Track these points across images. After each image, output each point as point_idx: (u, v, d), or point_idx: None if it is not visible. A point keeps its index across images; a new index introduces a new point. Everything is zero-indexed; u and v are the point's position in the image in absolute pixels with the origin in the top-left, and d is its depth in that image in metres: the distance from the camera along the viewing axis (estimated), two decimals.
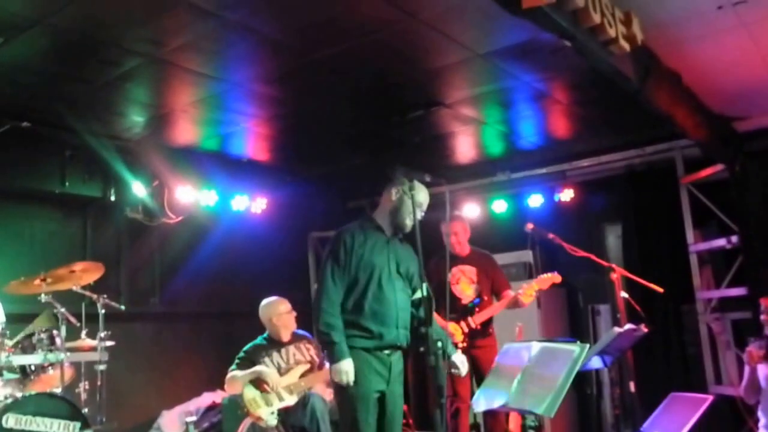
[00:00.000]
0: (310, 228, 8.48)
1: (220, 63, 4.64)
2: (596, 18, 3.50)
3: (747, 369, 4.97)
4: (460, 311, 5.19)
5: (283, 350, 5.19)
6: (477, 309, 5.25)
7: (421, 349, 3.10)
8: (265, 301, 5.35)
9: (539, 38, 4.37)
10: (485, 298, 5.24)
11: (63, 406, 4.13)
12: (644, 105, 4.62)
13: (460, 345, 4.93)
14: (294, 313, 5.28)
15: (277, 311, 5.22)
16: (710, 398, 4.54)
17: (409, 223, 3.66)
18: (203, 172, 6.78)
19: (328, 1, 3.89)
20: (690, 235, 6.83)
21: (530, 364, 3.46)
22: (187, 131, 6.07)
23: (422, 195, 3.61)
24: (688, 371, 6.72)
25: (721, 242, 6.58)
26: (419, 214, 3.58)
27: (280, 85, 5.09)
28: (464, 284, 5.28)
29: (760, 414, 4.97)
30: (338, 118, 5.89)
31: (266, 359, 5.06)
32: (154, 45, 4.28)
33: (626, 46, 3.82)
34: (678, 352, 6.78)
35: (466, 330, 5.15)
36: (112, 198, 6.38)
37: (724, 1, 4.16)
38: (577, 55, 3.86)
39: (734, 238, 6.48)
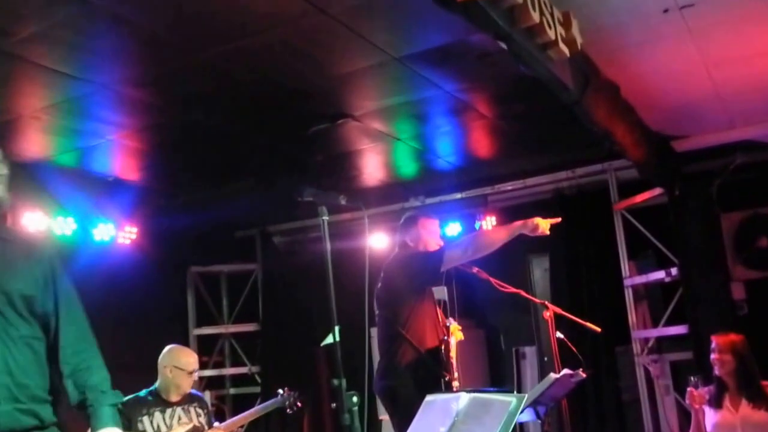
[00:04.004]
0: (190, 262, 8.44)
1: (82, 59, 4.34)
2: (535, 17, 3.47)
3: (692, 412, 5.01)
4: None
5: (168, 411, 4.97)
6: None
7: (333, 405, 2.92)
8: (170, 347, 5.12)
9: (466, 41, 4.33)
10: None
11: None
12: (582, 118, 4.64)
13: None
14: (196, 376, 5.08)
15: (178, 363, 4.97)
16: None
17: None
18: (58, 194, 6.54)
19: None
20: (625, 267, 6.96)
21: (459, 418, 3.37)
22: (37, 142, 5.76)
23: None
24: (624, 420, 6.79)
25: (659, 275, 6.66)
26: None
27: (155, 90, 4.84)
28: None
29: None
30: (226, 132, 5.71)
31: (145, 419, 4.81)
32: None
33: (566, 50, 3.80)
34: (612, 398, 6.83)
35: None
36: None
37: (670, 3, 4.19)
38: (508, 62, 3.83)
39: (673, 270, 6.56)
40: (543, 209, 6.62)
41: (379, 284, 4.37)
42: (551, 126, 5.88)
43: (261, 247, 8.75)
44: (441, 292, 6.87)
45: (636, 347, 6.85)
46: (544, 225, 4.12)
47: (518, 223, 4.13)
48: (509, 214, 7.24)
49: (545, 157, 6.99)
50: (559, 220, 4.36)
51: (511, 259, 6.60)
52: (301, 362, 7.93)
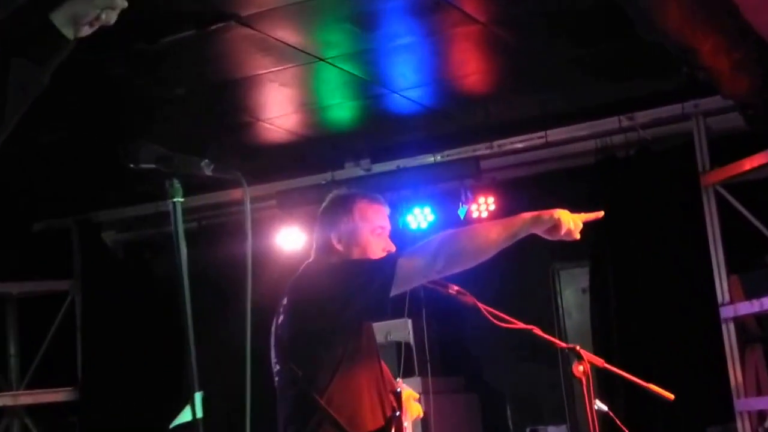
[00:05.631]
0: None
1: None
2: None
3: None
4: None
5: None
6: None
7: None
8: None
9: None
10: None
11: None
12: (638, 21, 4.38)
13: None
14: None
15: None
16: None
17: None
18: None
19: None
20: (722, 285, 6.06)
21: None
22: None
23: None
24: None
25: None
26: None
27: None
28: None
29: None
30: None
31: None
32: None
33: None
34: None
35: None
36: None
37: None
38: None
39: None
40: (576, 184, 6.55)
41: (281, 317, 3.66)
42: (587, 37, 5.45)
43: (80, 250, 7.70)
44: (401, 330, 6.48)
45: (743, 426, 5.94)
46: (572, 222, 3.29)
47: (527, 215, 3.35)
48: (517, 192, 6.68)
49: (580, 92, 6.22)
50: (601, 214, 3.44)
51: (522, 272, 6.59)
52: None
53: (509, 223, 3.50)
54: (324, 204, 3.93)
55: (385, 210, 3.88)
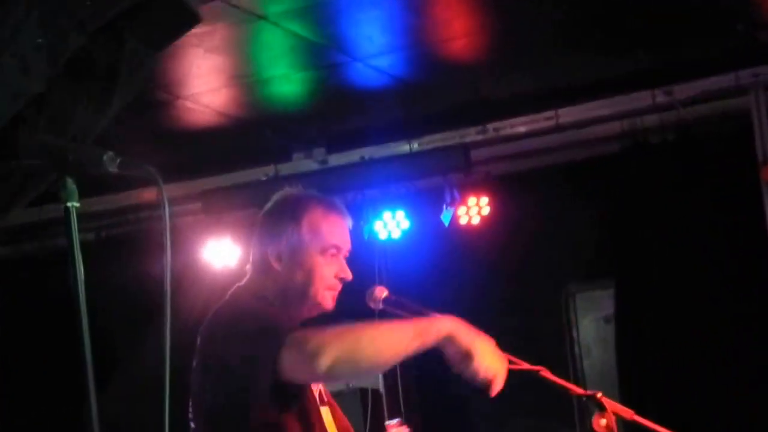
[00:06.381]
0: None
1: None
2: None
3: None
4: None
5: None
6: None
7: None
8: None
9: None
10: None
11: None
12: None
13: None
14: None
15: None
16: None
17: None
18: None
19: None
20: None
21: None
22: None
23: None
24: None
25: None
26: None
27: None
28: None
29: None
30: None
31: None
32: None
33: None
34: None
35: None
36: None
37: None
38: None
39: None
40: (596, 179, 5.98)
41: (194, 361, 3.26)
42: None
43: None
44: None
45: None
46: (494, 364, 2.77)
47: (447, 326, 2.88)
48: (519, 190, 6.17)
49: (601, 58, 5.58)
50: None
51: (527, 294, 6.20)
52: None
53: (424, 329, 3.05)
54: (267, 206, 3.36)
55: (345, 223, 3.33)
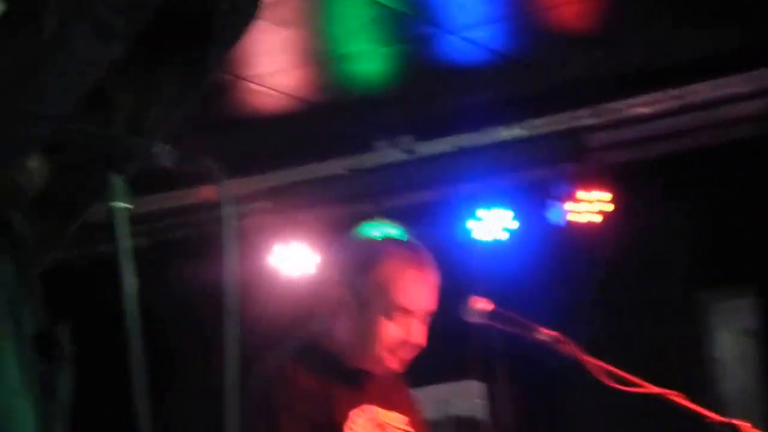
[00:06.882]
0: None
1: None
2: None
3: None
4: None
5: None
6: None
7: None
8: None
9: None
10: None
11: None
12: None
13: None
14: None
15: None
16: None
17: None
18: None
19: None
20: None
21: None
22: None
23: None
24: None
25: None
26: None
27: None
28: None
29: None
30: None
31: None
32: None
33: None
34: None
35: None
36: None
37: None
38: None
39: None
40: (735, 169, 5.69)
41: None
42: None
43: None
44: (466, 398, 5.87)
45: None
46: None
47: None
48: (644, 183, 5.80)
49: (738, 24, 5.16)
50: None
51: (651, 303, 5.95)
52: None
53: None
54: (339, 245, 3.42)
55: (426, 279, 3.21)
